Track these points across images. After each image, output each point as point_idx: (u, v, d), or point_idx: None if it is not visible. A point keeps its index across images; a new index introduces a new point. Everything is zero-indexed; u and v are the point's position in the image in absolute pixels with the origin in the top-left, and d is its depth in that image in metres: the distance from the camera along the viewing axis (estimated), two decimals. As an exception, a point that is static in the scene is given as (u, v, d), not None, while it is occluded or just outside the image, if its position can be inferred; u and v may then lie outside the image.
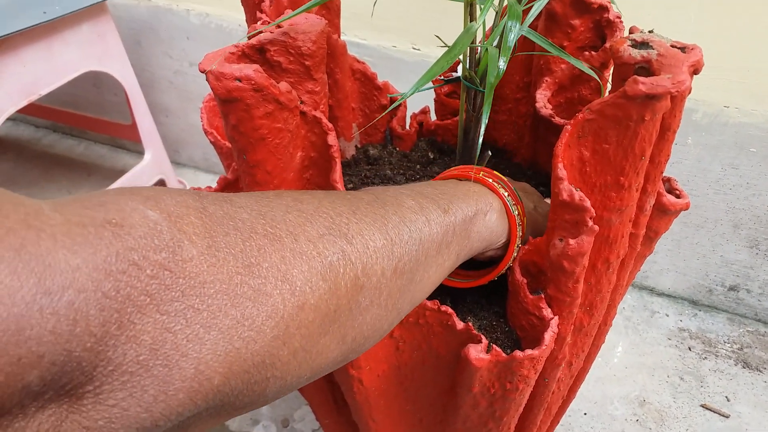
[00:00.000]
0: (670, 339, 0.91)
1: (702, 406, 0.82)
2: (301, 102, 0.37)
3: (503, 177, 0.44)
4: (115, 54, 0.97)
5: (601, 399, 0.82)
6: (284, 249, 0.23)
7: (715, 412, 0.81)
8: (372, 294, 0.27)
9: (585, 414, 0.80)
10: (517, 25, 0.39)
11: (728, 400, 0.83)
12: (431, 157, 0.68)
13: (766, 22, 0.72)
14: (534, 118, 0.61)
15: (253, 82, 0.32)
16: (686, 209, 0.46)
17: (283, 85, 0.35)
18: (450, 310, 0.41)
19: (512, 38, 0.40)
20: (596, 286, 0.45)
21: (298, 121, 0.37)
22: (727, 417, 0.81)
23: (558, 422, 0.64)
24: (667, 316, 0.95)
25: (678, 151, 0.83)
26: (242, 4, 0.53)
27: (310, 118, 0.38)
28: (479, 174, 0.43)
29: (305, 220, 0.25)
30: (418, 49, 0.95)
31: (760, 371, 0.87)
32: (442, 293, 0.49)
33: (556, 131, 0.56)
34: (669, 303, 0.97)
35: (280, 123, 0.35)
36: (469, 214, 0.38)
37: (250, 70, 0.32)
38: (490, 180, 0.43)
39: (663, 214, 0.47)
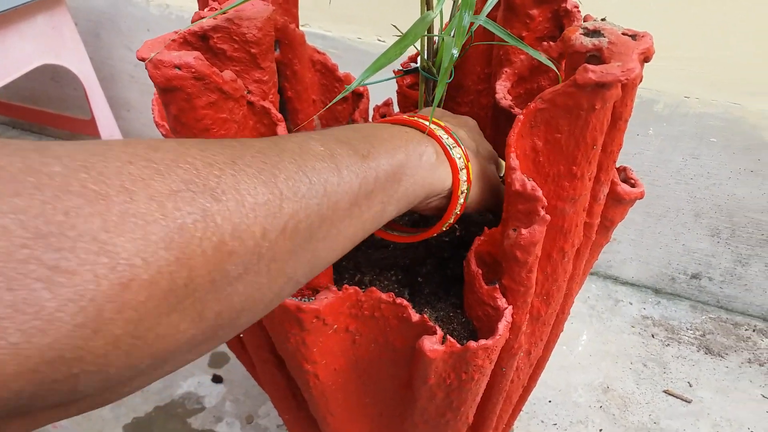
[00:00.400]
0: (633, 327, 0.93)
1: (665, 391, 0.84)
2: (248, 92, 0.36)
3: (441, 122, 0.40)
4: (72, 47, 0.94)
5: (565, 387, 0.83)
6: (109, 211, 0.18)
7: (677, 397, 0.83)
8: (247, 260, 0.23)
9: (549, 401, 0.81)
10: (470, 13, 0.39)
11: (690, 386, 0.84)
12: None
13: (725, 12, 0.72)
14: (494, 109, 0.61)
15: (193, 70, 0.31)
16: (641, 198, 0.47)
17: (227, 74, 0.34)
18: (405, 303, 0.41)
19: (465, 22, 0.39)
20: (552, 275, 0.45)
21: (245, 112, 0.36)
22: (689, 402, 0.82)
23: (520, 410, 0.64)
24: (631, 304, 0.96)
25: (640, 141, 0.84)
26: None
27: (258, 108, 0.37)
28: (413, 117, 0.39)
29: (154, 173, 0.20)
30: (383, 41, 0.94)
31: (721, 357, 0.88)
32: (399, 285, 0.49)
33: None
34: (632, 291, 0.98)
35: (225, 113, 0.34)
36: (398, 158, 0.34)
37: (190, 57, 0.31)
38: (424, 122, 0.39)
39: (618, 203, 0.47)
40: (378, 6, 0.91)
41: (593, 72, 0.34)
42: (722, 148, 0.80)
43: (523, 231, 0.38)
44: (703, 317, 0.94)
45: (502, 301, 0.41)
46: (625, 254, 0.97)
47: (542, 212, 0.37)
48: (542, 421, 0.79)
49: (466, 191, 0.40)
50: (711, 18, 0.74)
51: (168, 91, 0.32)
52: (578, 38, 0.37)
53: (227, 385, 0.82)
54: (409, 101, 0.69)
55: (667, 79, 0.79)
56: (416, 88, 0.69)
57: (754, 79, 0.75)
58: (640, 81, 0.38)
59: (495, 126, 0.63)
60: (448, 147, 0.38)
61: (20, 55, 0.86)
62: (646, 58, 0.36)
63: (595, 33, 0.37)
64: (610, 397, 0.82)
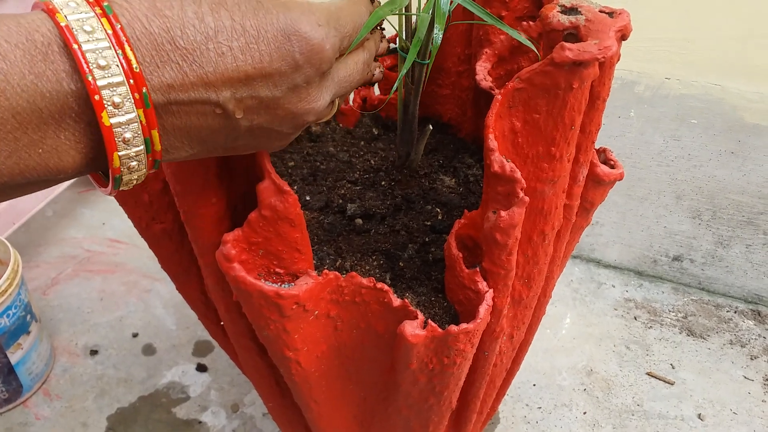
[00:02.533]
0: (616, 309, 0.93)
1: (648, 373, 0.84)
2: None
3: None
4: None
5: (549, 370, 0.84)
6: None
7: (660, 379, 0.84)
8: None
9: (534, 385, 0.82)
10: (447, -8, 0.38)
11: (673, 368, 0.85)
12: (375, 132, 0.67)
13: (704, -5, 0.73)
14: (476, 91, 0.61)
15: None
16: (620, 179, 0.47)
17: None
18: (386, 287, 0.41)
19: (445, 2, 0.39)
20: (533, 258, 0.45)
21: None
22: (672, 384, 0.83)
23: (504, 394, 0.65)
24: (614, 287, 0.97)
25: (621, 124, 0.84)
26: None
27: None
28: None
29: None
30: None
31: (704, 338, 0.89)
32: (381, 270, 0.49)
33: (497, 104, 0.55)
34: (615, 274, 0.99)
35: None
36: None
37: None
38: None
39: (597, 184, 0.47)
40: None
41: (570, 50, 0.34)
42: (703, 130, 0.81)
43: (503, 213, 0.38)
44: (685, 299, 0.95)
45: (482, 285, 0.40)
46: (608, 237, 0.97)
47: (521, 194, 0.37)
48: (527, 405, 0.79)
49: (131, 115, 0.24)
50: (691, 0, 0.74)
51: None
52: (555, 16, 0.37)
53: (212, 374, 0.82)
54: (389, 83, 0.68)
55: (647, 60, 0.79)
56: (396, 69, 0.69)
57: (734, 60, 0.75)
58: (618, 59, 0.38)
59: (476, 107, 0.63)
60: (73, 30, 0.23)
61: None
62: (623, 36, 0.36)
63: (572, 11, 0.37)
64: (594, 379, 0.83)
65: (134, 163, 0.26)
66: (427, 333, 0.39)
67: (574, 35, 0.36)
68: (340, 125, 0.67)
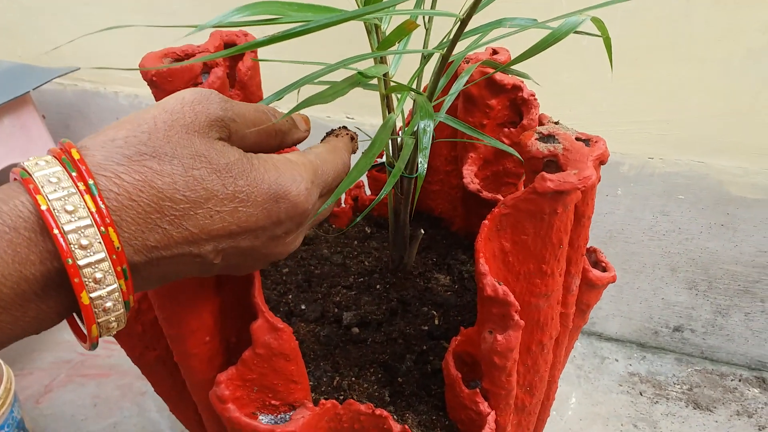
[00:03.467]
0: (621, 385, 0.92)
1: (659, 453, 0.82)
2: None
3: (84, 158, 0.26)
4: (40, 144, 0.94)
5: (559, 456, 0.81)
6: None
7: (672, 458, 0.81)
8: None
9: (545, 474, 0.79)
10: (431, 123, 0.39)
11: (683, 444, 0.83)
12: (368, 231, 0.68)
13: (683, 76, 0.75)
14: (464, 191, 0.62)
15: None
16: (613, 282, 0.47)
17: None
18: (385, 413, 0.40)
19: (427, 138, 0.40)
20: (533, 367, 0.45)
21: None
22: (684, 462, 0.81)
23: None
24: (617, 360, 0.96)
25: (609, 201, 0.86)
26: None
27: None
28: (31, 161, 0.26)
29: None
30: (352, 118, 0.96)
31: (710, 411, 0.88)
32: (379, 385, 0.48)
33: (486, 204, 0.56)
34: (617, 347, 0.98)
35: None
36: None
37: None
38: (31, 164, 0.25)
39: (591, 288, 0.47)
40: (344, 84, 0.93)
41: (551, 181, 0.35)
42: (691, 204, 0.82)
43: (499, 337, 0.38)
44: (689, 370, 0.94)
45: (484, 406, 0.40)
46: (607, 310, 0.97)
47: (516, 317, 0.37)
48: (538, 496, 0.77)
49: (111, 289, 0.25)
50: (668, 83, 0.76)
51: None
52: (534, 144, 0.38)
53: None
54: (380, 184, 0.69)
55: (630, 142, 0.81)
56: (384, 170, 0.70)
57: (715, 138, 0.78)
58: (599, 182, 0.38)
59: (465, 206, 0.64)
60: (53, 213, 0.24)
61: (-14, 156, 0.85)
62: (601, 162, 0.37)
63: (549, 138, 0.38)
64: (605, 463, 0.81)
65: (114, 324, 0.26)
66: (430, 462, 0.38)
67: (554, 162, 0.37)
68: (333, 226, 0.68)
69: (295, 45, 0.53)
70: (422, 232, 0.54)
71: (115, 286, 0.25)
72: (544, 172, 0.35)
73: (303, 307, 0.55)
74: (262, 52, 0.50)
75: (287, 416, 0.40)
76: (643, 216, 0.85)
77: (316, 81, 0.39)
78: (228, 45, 0.49)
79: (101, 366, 0.94)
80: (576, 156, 0.36)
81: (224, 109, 0.30)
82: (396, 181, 0.40)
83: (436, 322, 0.54)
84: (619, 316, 0.96)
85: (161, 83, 0.43)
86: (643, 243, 0.88)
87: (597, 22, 0.34)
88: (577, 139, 0.37)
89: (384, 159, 0.52)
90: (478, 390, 0.40)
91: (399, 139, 0.50)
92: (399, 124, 0.50)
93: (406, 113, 0.58)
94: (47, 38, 1.06)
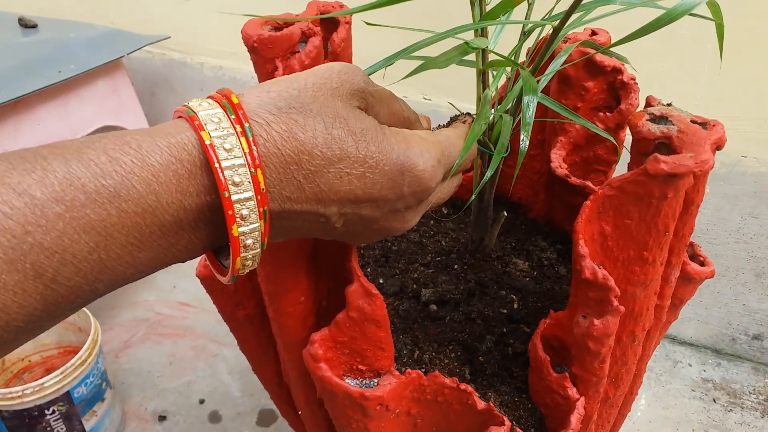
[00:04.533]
0: (693, 390, 0.89)
1: (730, 463, 0.79)
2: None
3: (241, 104, 0.27)
4: (130, 107, 0.98)
5: (624, 456, 0.80)
6: None
7: (744, 469, 0.78)
8: None
9: (608, 473, 0.78)
10: (534, 100, 0.39)
11: (757, 457, 0.80)
12: (445, 212, 0.68)
13: (781, 71, 0.71)
14: (549, 175, 0.61)
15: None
16: (711, 277, 0.45)
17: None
18: (470, 389, 0.40)
19: (530, 114, 0.39)
20: (622, 358, 0.44)
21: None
22: (757, 475, 0.78)
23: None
24: (690, 365, 0.92)
25: (696, 199, 0.82)
26: (256, 72, 0.53)
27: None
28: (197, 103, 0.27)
29: None
30: (429, 99, 0.95)
31: (789, 425, 0.84)
32: (459, 362, 0.48)
33: (573, 190, 0.55)
34: (692, 352, 0.95)
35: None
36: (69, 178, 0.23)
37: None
38: (200, 109, 0.26)
39: (688, 282, 0.45)
40: (425, 66, 0.92)
41: (665, 163, 0.34)
42: (784, 207, 0.78)
43: (596, 322, 0.37)
44: (766, 380, 0.90)
45: (573, 391, 0.39)
46: (684, 313, 0.93)
47: (615, 302, 0.36)
48: (600, 493, 0.75)
49: (254, 226, 0.26)
50: (764, 78, 0.72)
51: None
52: (645, 125, 0.37)
53: (275, 445, 0.82)
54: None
55: (723, 137, 0.77)
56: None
57: (815, 138, 0.73)
58: (712, 167, 0.37)
59: (549, 191, 0.62)
60: (216, 147, 0.25)
61: (81, 118, 0.90)
62: (718, 147, 0.35)
63: (662, 119, 0.37)
64: (673, 468, 0.78)
65: (250, 262, 0.28)
66: (515, 441, 0.38)
67: (666, 144, 0.36)
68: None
69: (390, 19, 0.53)
70: (505, 214, 0.53)
71: (257, 224, 0.26)
72: (657, 154, 0.34)
73: (381, 281, 0.56)
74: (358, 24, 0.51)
75: (372, 382, 0.41)
76: (730, 217, 0.82)
77: (413, 55, 0.40)
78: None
79: (177, 327, 0.99)
80: (692, 139, 0.34)
81: (366, 82, 0.32)
82: (498, 160, 0.40)
83: (516, 306, 0.53)
84: (695, 320, 0.93)
85: (261, 50, 0.44)
86: (728, 245, 0.84)
87: (712, 6, 0.33)
88: (693, 121, 0.36)
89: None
90: (567, 375, 0.40)
91: (491, 118, 0.49)
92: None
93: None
94: (139, 6, 1.10)
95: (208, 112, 0.26)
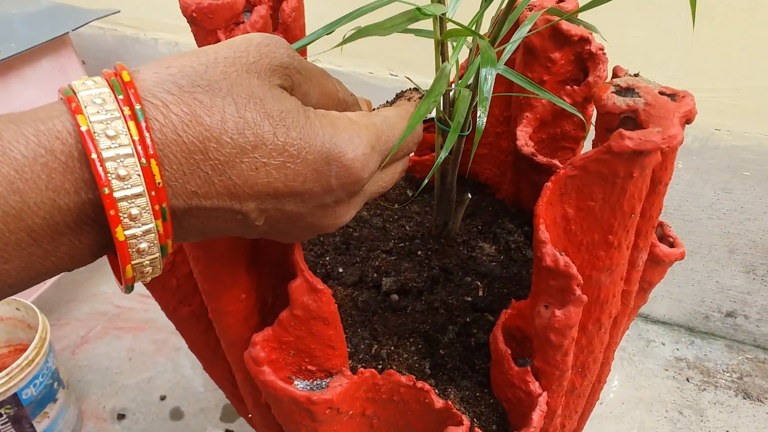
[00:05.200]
0: (667, 370, 0.88)
1: (704, 442, 0.78)
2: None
3: (135, 81, 0.23)
4: (78, 90, 0.92)
5: (598, 439, 0.78)
6: None
7: (717, 448, 0.78)
8: None
9: (582, 456, 0.76)
10: (493, 72, 0.35)
11: (731, 435, 0.79)
12: (410, 194, 0.64)
13: (758, 37, 0.69)
14: (515, 154, 0.58)
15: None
16: (681, 259, 0.43)
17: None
18: (427, 387, 0.37)
19: (488, 88, 0.36)
20: (588, 347, 0.41)
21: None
22: (730, 453, 0.77)
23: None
24: (663, 344, 0.91)
25: (668, 176, 0.80)
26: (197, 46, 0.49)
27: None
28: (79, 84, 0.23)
29: None
30: (396, 75, 0.91)
31: (761, 402, 0.83)
32: (420, 356, 0.45)
33: (539, 169, 0.52)
34: (665, 331, 0.93)
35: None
36: None
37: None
38: (78, 90, 0.22)
39: (656, 264, 0.43)
40: (389, 41, 0.89)
41: (630, 139, 0.31)
42: (756, 182, 0.76)
43: (557, 312, 0.34)
44: (740, 358, 0.89)
45: (535, 386, 0.37)
46: (656, 291, 0.92)
47: (578, 291, 0.34)
48: (574, 477, 0.74)
49: (147, 229, 0.23)
50: (740, 48, 0.70)
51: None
52: (610, 98, 0.34)
53: (241, 440, 0.79)
54: (424, 144, 0.66)
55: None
56: (432, 130, 0.66)
57: (789, 110, 0.71)
58: (681, 143, 0.34)
59: (516, 170, 0.59)
60: (93, 134, 0.21)
61: (25, 101, 0.85)
62: (687, 121, 0.33)
63: (628, 91, 0.34)
64: (646, 449, 0.77)
65: (148, 269, 0.24)
66: (474, 441, 0.36)
67: (632, 119, 0.33)
68: (373, 188, 0.65)
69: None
70: (469, 196, 0.50)
71: (151, 225, 0.23)
72: (622, 129, 0.31)
73: (341, 270, 0.53)
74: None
75: (323, 383, 0.38)
76: (703, 192, 0.80)
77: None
78: (272, -16, 0.46)
79: (137, 320, 0.95)
80: (660, 112, 0.31)
81: (291, 56, 0.27)
82: (453, 139, 0.37)
83: (481, 293, 0.50)
84: (668, 297, 0.92)
85: (201, 20, 0.40)
86: (701, 221, 0.82)
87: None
88: (661, 93, 0.33)
89: (434, 114, 0.48)
90: (528, 368, 0.37)
91: (451, 93, 0.46)
92: (451, 76, 0.46)
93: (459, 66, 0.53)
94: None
95: (91, 92, 0.22)
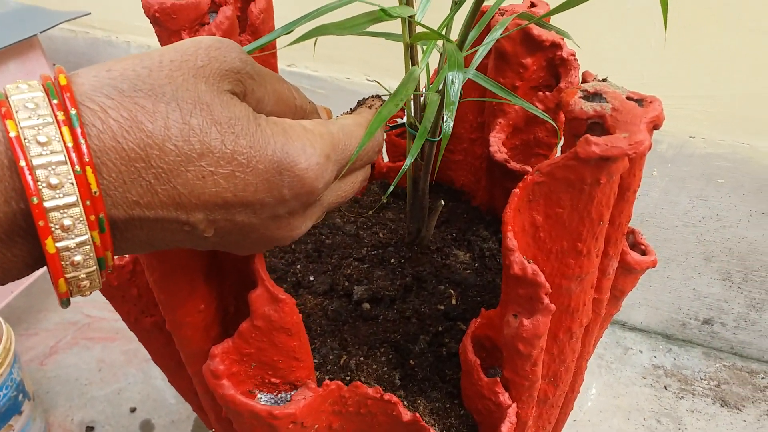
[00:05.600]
0: (644, 378, 0.87)
1: (681, 450, 0.78)
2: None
3: (71, 85, 0.22)
4: (48, 94, 0.90)
5: (576, 448, 0.78)
6: None
7: (695, 456, 0.77)
8: None
9: (560, 465, 0.75)
10: (460, 76, 0.34)
11: (708, 442, 0.79)
12: (385, 201, 0.64)
13: (731, 47, 0.69)
14: (489, 161, 0.57)
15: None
16: (653, 267, 0.42)
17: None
18: (395, 399, 0.36)
19: (455, 92, 0.35)
20: (559, 356, 0.40)
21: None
22: (707, 461, 0.77)
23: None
24: (641, 352, 0.91)
25: (644, 183, 0.80)
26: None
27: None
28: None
29: None
30: (372, 81, 0.91)
31: (738, 409, 0.83)
32: (390, 366, 0.44)
33: (513, 176, 0.52)
34: (642, 338, 0.93)
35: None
36: None
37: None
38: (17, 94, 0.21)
39: (628, 272, 0.43)
40: (366, 46, 0.88)
41: (596, 145, 0.30)
42: (731, 190, 0.76)
43: (525, 322, 0.33)
44: (717, 365, 0.89)
45: (504, 397, 0.36)
46: (633, 299, 0.92)
47: (546, 300, 0.33)
48: (552, 488, 0.73)
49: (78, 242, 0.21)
50: (714, 55, 0.70)
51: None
52: (577, 103, 0.33)
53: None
54: (399, 150, 0.65)
55: (670, 118, 0.75)
56: (404, 136, 0.66)
57: (762, 117, 0.71)
58: (649, 149, 0.34)
59: (490, 177, 0.59)
60: (23, 141, 0.20)
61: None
62: (655, 126, 0.32)
63: (596, 96, 0.33)
64: (624, 457, 0.77)
65: (85, 283, 0.23)
66: (442, 454, 0.35)
67: (600, 124, 0.32)
68: (347, 194, 0.64)
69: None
70: (442, 203, 0.49)
71: (86, 237, 0.21)
72: (588, 135, 0.30)
73: (311, 278, 0.51)
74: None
75: (288, 396, 0.37)
76: (678, 200, 0.80)
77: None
78: (238, -14, 0.45)
79: (108, 330, 0.92)
80: (626, 117, 0.31)
81: (243, 61, 0.26)
82: (419, 145, 0.36)
83: (454, 302, 0.50)
84: (645, 305, 0.92)
85: (164, 20, 0.38)
86: (676, 229, 0.82)
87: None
88: (628, 98, 0.32)
89: (405, 120, 0.47)
90: (498, 379, 0.36)
91: (422, 99, 0.45)
92: (423, 82, 0.46)
93: (432, 71, 0.53)
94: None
95: (24, 96, 0.21)
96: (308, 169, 0.26)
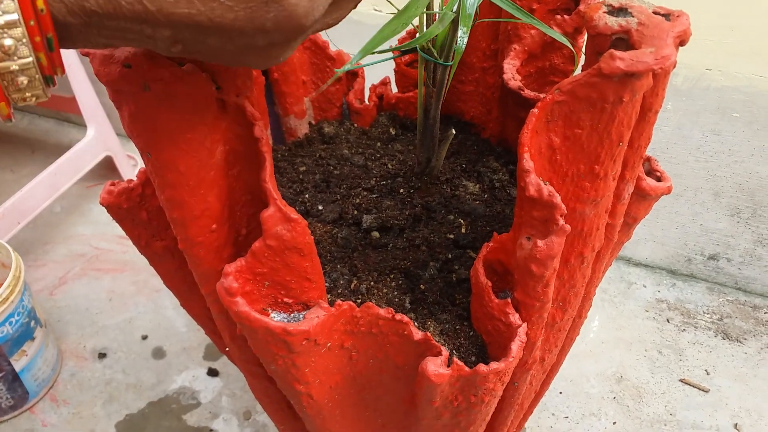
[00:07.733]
0: (647, 311, 0.89)
1: (681, 380, 0.80)
2: (218, 88, 0.31)
3: None
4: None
5: (576, 377, 0.80)
6: None
7: (694, 386, 0.79)
8: None
9: (560, 393, 0.78)
10: (475, -10, 0.33)
11: (708, 374, 0.81)
12: (393, 133, 0.63)
13: (752, -24, 0.66)
14: (502, 90, 0.56)
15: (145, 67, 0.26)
16: (668, 193, 0.42)
17: (188, 67, 0.28)
18: (406, 319, 0.37)
19: (471, 4, 0.34)
20: (569, 281, 0.41)
21: (216, 112, 0.31)
22: (706, 392, 0.79)
23: (531, 413, 0.61)
24: (645, 287, 0.92)
25: (658, 118, 0.79)
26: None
27: (231, 106, 0.32)
28: None
29: None
30: (380, 11, 0.88)
31: (740, 342, 0.84)
32: (400, 291, 0.45)
33: (526, 105, 0.51)
34: (646, 273, 0.94)
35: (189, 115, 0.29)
36: None
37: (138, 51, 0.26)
38: None
39: (642, 199, 0.42)
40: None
41: (621, 60, 0.29)
42: (745, 124, 0.75)
43: (539, 243, 0.33)
44: (721, 300, 0.90)
45: (514, 317, 0.36)
46: (639, 234, 0.92)
47: (561, 221, 0.33)
48: (553, 414, 0.76)
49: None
50: (737, -19, 0.67)
51: (118, 91, 0.27)
52: (602, 18, 0.32)
53: (223, 378, 0.79)
54: (408, 80, 0.63)
55: (686, 49, 0.73)
56: (416, 66, 0.64)
57: (782, 49, 0.69)
58: (674, 66, 0.33)
59: (502, 107, 0.58)
60: None
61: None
62: (681, 42, 0.31)
63: (621, 11, 0.32)
64: (624, 387, 0.79)
65: (32, 99, 0.22)
66: (453, 372, 0.35)
67: (624, 40, 0.31)
68: (355, 125, 0.63)
69: None
70: (453, 132, 0.49)
71: (29, 59, 0.20)
72: (613, 50, 0.29)
73: (320, 207, 0.51)
74: None
75: (300, 315, 0.37)
76: (691, 134, 0.79)
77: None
78: None
79: (116, 261, 0.93)
80: (653, 32, 0.30)
81: None
82: (429, 68, 0.35)
83: (463, 230, 0.49)
84: (651, 240, 0.92)
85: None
86: (688, 164, 0.81)
87: None
88: (655, 12, 0.31)
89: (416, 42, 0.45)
90: (509, 300, 0.37)
91: (435, 20, 0.43)
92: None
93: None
94: None
95: None
96: (298, 5, 0.23)
